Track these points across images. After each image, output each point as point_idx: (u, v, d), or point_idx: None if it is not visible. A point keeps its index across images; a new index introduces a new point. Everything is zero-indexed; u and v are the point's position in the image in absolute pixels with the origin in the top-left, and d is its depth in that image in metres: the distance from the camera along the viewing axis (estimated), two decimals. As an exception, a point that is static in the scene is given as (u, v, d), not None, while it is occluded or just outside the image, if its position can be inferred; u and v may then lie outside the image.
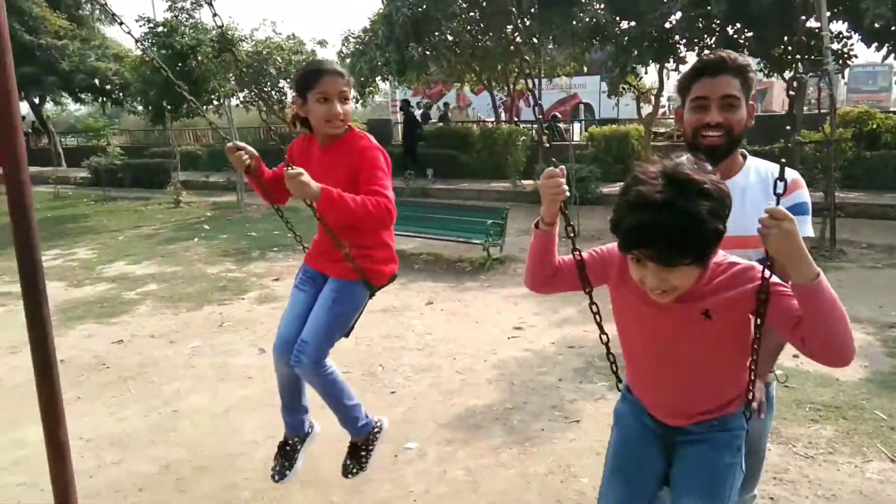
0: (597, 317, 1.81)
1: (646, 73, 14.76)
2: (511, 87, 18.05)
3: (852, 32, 11.83)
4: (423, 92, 24.19)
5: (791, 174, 1.93)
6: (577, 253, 1.73)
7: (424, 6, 13.45)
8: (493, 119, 18.99)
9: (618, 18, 13.50)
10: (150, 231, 11.11)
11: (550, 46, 15.02)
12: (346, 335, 2.73)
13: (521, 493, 3.15)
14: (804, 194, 1.93)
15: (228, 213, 12.79)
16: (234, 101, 15.35)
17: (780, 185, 1.57)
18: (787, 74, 13.54)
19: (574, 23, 13.48)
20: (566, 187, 1.69)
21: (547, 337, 5.29)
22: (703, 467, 1.65)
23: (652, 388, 1.73)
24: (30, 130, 25.71)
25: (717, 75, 1.87)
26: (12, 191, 2.38)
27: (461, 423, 3.88)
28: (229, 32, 12.05)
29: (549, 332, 5.43)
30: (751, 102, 1.91)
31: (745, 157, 1.99)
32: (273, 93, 19.17)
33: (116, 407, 4.20)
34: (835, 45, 11.88)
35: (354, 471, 2.96)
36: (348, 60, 16.26)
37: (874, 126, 12.46)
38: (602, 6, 13.54)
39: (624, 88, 15.04)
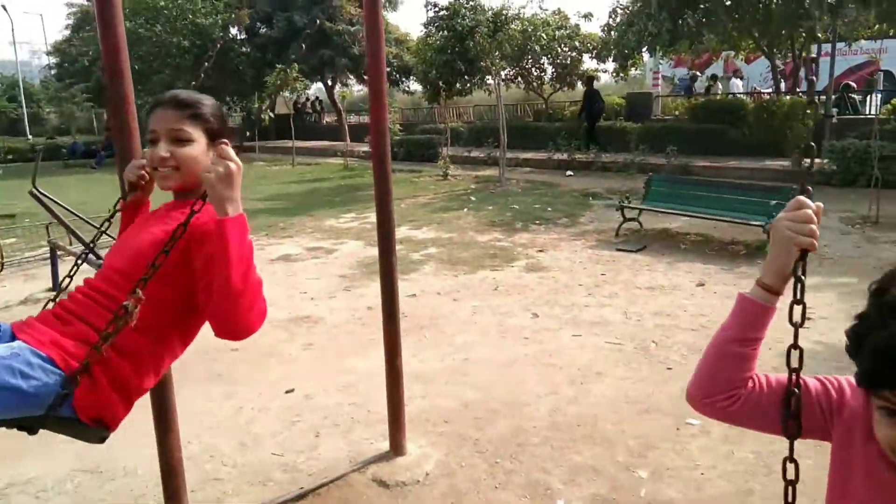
0: None
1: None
2: (797, 53, 16.20)
3: None
4: (692, 62, 22.77)
5: None
6: (796, 377, 1.17)
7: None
8: (770, 90, 17.28)
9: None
10: (425, 200, 12.22)
11: (852, 5, 13.17)
12: None
13: (819, 484, 3.00)
14: None
15: (491, 186, 13.51)
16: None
17: None
18: None
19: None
20: (818, 231, 1.13)
21: (841, 331, 4.82)
22: None
23: None
24: (319, 109, 29.62)
25: None
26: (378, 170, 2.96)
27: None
28: (504, 12, 12.57)
29: (845, 325, 4.92)
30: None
31: None
32: (534, 69, 19.67)
33: (417, 349, 4.81)
34: None
35: None
36: (614, 34, 16.00)
37: None
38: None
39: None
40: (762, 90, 18.29)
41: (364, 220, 10.22)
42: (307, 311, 5.82)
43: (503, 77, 18.04)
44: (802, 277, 1.16)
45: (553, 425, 3.65)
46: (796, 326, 1.24)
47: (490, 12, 12.51)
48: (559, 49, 18.57)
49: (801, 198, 1.13)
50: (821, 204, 1.14)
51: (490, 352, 4.76)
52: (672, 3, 13.44)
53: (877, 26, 15.86)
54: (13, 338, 1.56)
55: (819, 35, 17.02)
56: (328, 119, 29.09)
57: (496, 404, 3.91)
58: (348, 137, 21.52)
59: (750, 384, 1.19)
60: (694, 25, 13.52)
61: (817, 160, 11.99)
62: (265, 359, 4.76)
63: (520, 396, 4.00)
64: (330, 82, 26.14)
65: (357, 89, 29.83)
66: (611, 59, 17.59)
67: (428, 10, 13.31)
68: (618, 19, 16.18)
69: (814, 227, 1.12)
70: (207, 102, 1.73)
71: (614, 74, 19.01)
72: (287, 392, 4.21)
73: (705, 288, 6.11)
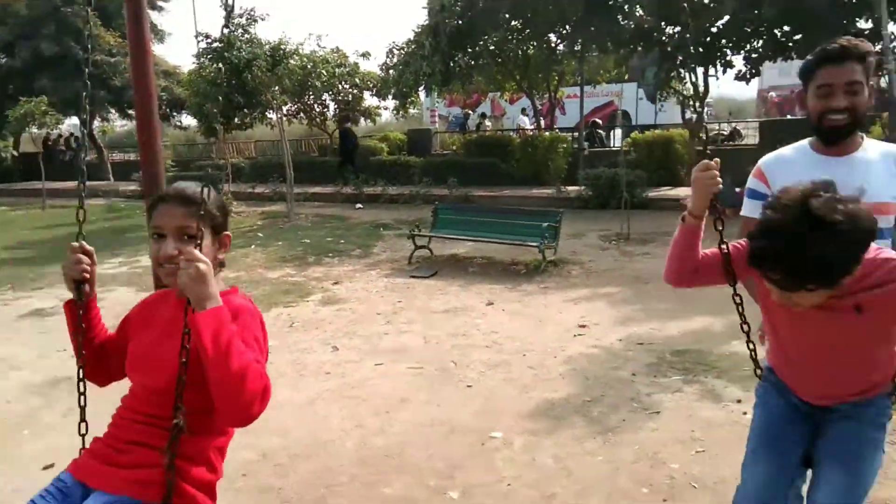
0: (739, 307, 1.88)
1: (693, 78, 14.70)
2: (552, 94, 18.12)
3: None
4: (464, 102, 24.39)
5: None
6: (725, 246, 1.74)
7: (470, 15, 13.66)
8: (532, 127, 19.07)
9: (663, 24, 13.51)
10: (207, 239, 11.42)
11: (595, 53, 15.09)
12: None
13: (613, 479, 3.23)
14: None
15: (279, 221, 13.08)
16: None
17: None
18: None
19: (615, 30, 13.55)
20: (720, 179, 1.75)
21: (613, 334, 5.35)
22: (848, 439, 1.71)
23: (802, 375, 1.78)
24: (73, 146, 26.62)
25: (841, 63, 1.99)
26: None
27: (541, 415, 3.97)
28: (282, 46, 12.37)
29: (615, 329, 5.48)
30: (871, 83, 2.00)
31: (862, 138, 2.12)
32: (316, 105, 19.61)
33: (206, 399, 4.37)
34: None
35: None
36: (392, 72, 16.56)
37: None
38: (645, 12, 13.56)
39: (667, 93, 15.02)
40: (525, 127, 20.09)
41: (134, 264, 9.27)
42: (68, 372, 5.03)
43: (285, 112, 17.74)
44: (718, 205, 1.80)
45: (361, 461, 3.50)
46: (721, 232, 1.80)
47: (268, 46, 12.23)
48: (340, 86, 18.76)
49: (706, 161, 1.74)
50: (717, 159, 1.76)
51: (289, 392, 4.49)
52: (444, 46, 14.32)
53: (615, 71, 18.38)
54: (84, 489, 1.66)
55: (567, 78, 19.25)
56: (88, 157, 26.21)
57: (299, 448, 3.66)
58: (111, 176, 19.55)
59: (700, 261, 1.77)
60: (464, 67, 14.50)
61: (575, 187, 13.42)
62: (17, 431, 4.01)
63: (323, 435, 3.80)
64: (87, 117, 23.66)
65: (120, 124, 27.38)
66: (391, 97, 18.16)
67: (199, 42, 12.66)
68: (395, 59, 16.80)
69: (716, 175, 1.73)
70: (213, 196, 1.74)
71: (395, 112, 19.67)
72: (45, 468, 3.56)
73: (494, 306, 6.42)
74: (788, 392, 1.82)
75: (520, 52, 16.12)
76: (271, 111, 13.75)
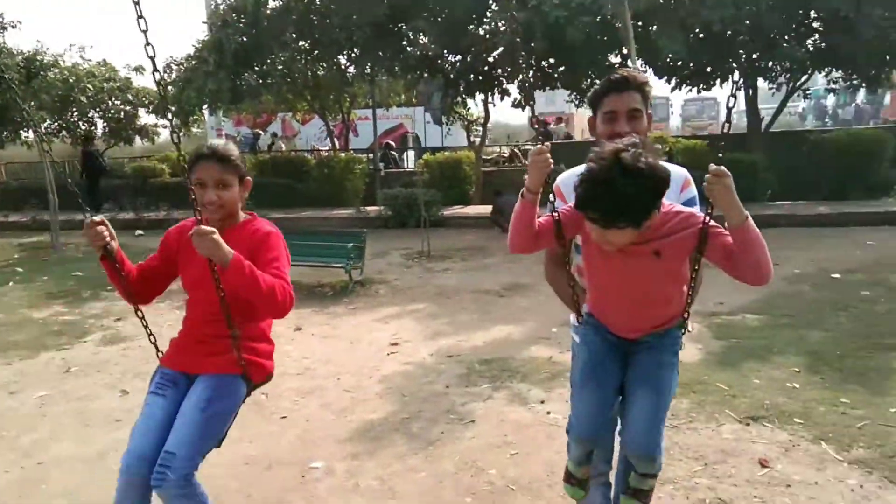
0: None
1: (475, 104, 15.71)
2: (345, 115, 18.21)
3: (647, 67, 13.55)
4: (253, 121, 23.55)
5: (684, 174, 2.37)
6: (556, 213, 2.06)
7: (255, 32, 13.25)
8: (328, 147, 19.00)
9: (446, 52, 14.26)
10: (-53, 278, 9.68)
11: (385, 77, 15.45)
12: (219, 444, 2.37)
13: (437, 492, 3.28)
14: (694, 189, 2.33)
15: (42, 253, 11.52)
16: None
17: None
18: (596, 105, 15.15)
19: (402, 56, 14.04)
20: (551, 159, 2.01)
21: (424, 349, 5.47)
22: (652, 363, 2.10)
23: (615, 312, 2.13)
24: None
25: (623, 91, 2.25)
26: None
27: (361, 437, 3.92)
28: (38, 58, 10.96)
29: (425, 345, 5.61)
30: (649, 112, 2.28)
31: None
32: (81, 123, 17.70)
33: (-37, 468, 3.68)
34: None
35: None
36: (171, 89, 15.47)
37: (668, 149, 14.34)
38: (430, 40, 14.23)
39: (453, 118, 15.87)
40: (320, 148, 19.95)
41: None
42: None
43: (45, 130, 15.71)
44: (549, 181, 2.10)
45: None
46: (552, 203, 2.12)
47: (20, 56, 10.76)
48: (110, 102, 17.11)
49: (540, 146, 2.00)
50: (548, 143, 2.07)
51: (73, 447, 3.93)
52: (229, 62, 13.72)
53: (404, 95, 18.98)
54: (185, 376, 2.39)
55: (359, 100, 19.49)
56: None
57: (91, 508, 3.22)
58: None
59: (537, 229, 2.04)
60: (253, 85, 14.01)
61: (374, 207, 13.60)
62: None
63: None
64: None
65: None
66: (171, 115, 16.94)
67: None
68: (173, 75, 15.72)
69: (548, 157, 1.99)
70: (238, 153, 2.44)
71: (176, 131, 18.36)
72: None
73: (303, 331, 6.23)
74: (604, 330, 2.15)
75: (309, 73, 16.00)
76: (26, 129, 12.07)
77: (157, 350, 2.53)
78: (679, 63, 13.33)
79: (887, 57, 12.18)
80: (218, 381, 2.32)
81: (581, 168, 2.53)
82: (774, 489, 3.12)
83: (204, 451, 2.26)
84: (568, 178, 2.43)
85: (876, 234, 9.66)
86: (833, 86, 14.93)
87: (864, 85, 13.68)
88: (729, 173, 1.80)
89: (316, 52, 15.02)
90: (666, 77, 13.83)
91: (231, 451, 3.81)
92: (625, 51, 12.44)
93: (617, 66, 13.60)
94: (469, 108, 15.66)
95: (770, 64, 13.44)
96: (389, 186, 13.91)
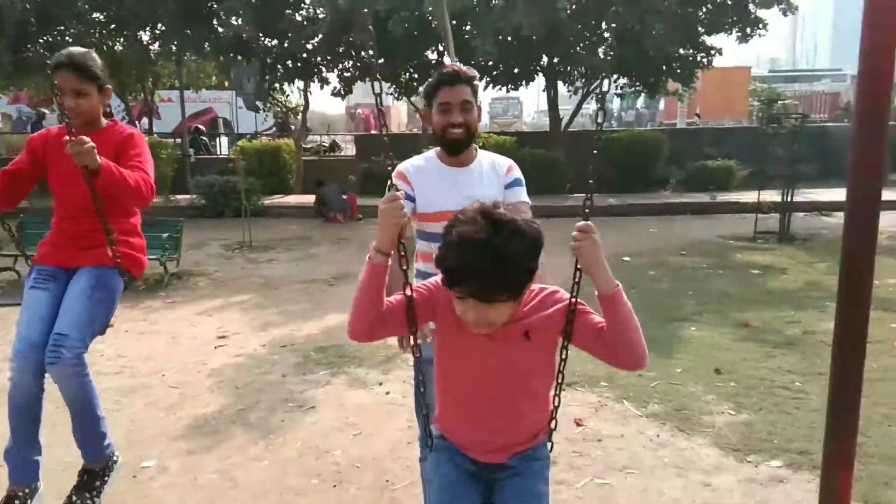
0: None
1: (291, 91, 15.35)
2: (147, 96, 16.85)
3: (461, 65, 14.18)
4: (37, 100, 20.85)
5: (508, 161, 2.60)
6: (410, 287, 1.70)
7: (42, 1, 11.78)
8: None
9: (262, 36, 13.77)
10: None
11: (195, 58, 14.53)
12: (104, 330, 2.65)
13: (281, 479, 3.27)
14: (519, 172, 2.56)
15: None
16: None
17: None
18: (414, 98, 15.59)
19: (213, 36, 13.32)
20: (407, 212, 1.77)
21: (256, 341, 5.34)
22: (522, 496, 1.74)
23: (473, 425, 1.76)
24: None
25: (455, 85, 2.39)
26: None
27: (195, 433, 3.77)
28: None
29: (256, 336, 5.48)
30: (478, 104, 2.47)
31: (476, 150, 2.55)
32: None
33: None
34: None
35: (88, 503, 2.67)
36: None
37: (481, 144, 15.16)
38: (243, 21, 13.63)
39: (270, 104, 15.39)
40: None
41: None
42: None
43: None
44: (404, 243, 1.74)
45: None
46: (405, 271, 1.74)
47: None
48: None
49: (392, 193, 1.70)
50: (401, 191, 1.84)
51: None
52: (10, 33, 12.06)
53: (214, 78, 17.98)
54: (64, 271, 2.61)
55: (164, 81, 18.14)
56: None
57: None
58: None
59: (385, 309, 1.69)
60: (39, 58, 12.41)
61: (186, 195, 12.79)
62: None
63: None
64: None
65: None
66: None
67: None
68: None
69: (402, 206, 1.68)
70: (98, 61, 2.66)
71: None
72: None
73: (116, 328, 5.71)
74: (459, 455, 1.78)
75: (105, 48, 14.57)
76: None
77: (24, 254, 2.89)
78: (490, 63, 14.14)
79: (664, 67, 13.98)
80: (98, 271, 2.56)
81: (425, 155, 2.66)
82: (589, 444, 3.55)
83: (94, 331, 2.54)
84: (412, 168, 2.50)
85: (657, 223, 11.10)
86: (620, 91, 16.77)
87: (645, 91, 15.57)
88: (596, 230, 1.61)
89: (113, 25, 13.72)
90: (478, 76, 14.62)
91: (45, 457, 3.48)
92: (441, 47, 12.96)
93: (434, 62, 14.11)
94: (288, 95, 15.26)
95: (569, 68, 14.78)
96: (201, 174, 13.14)
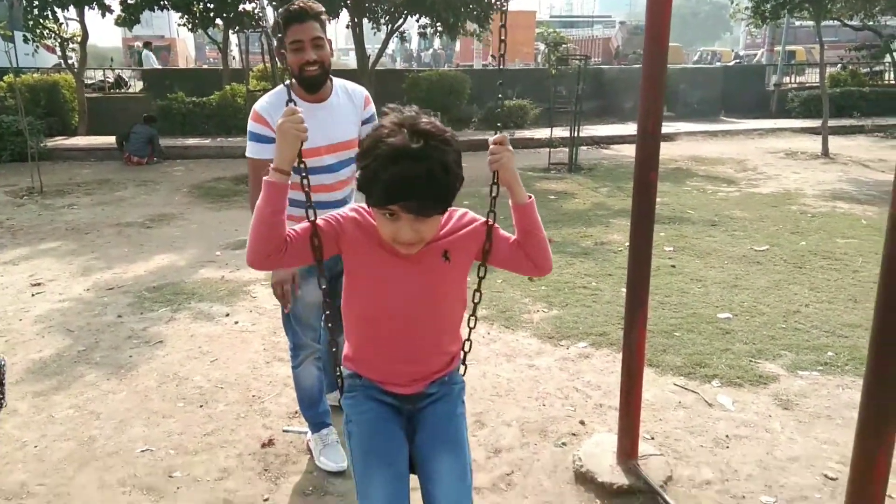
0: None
1: (64, 19, 13.58)
2: None
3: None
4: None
5: (363, 91, 2.77)
6: (314, 213, 1.58)
7: None
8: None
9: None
10: None
11: None
12: None
13: (145, 405, 3.33)
14: (373, 106, 2.66)
15: None
16: None
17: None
18: (212, 31, 14.67)
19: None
20: (306, 126, 1.62)
21: (78, 286, 5.07)
22: (446, 420, 1.71)
23: (390, 355, 1.68)
24: None
25: (304, 22, 2.32)
26: None
27: (37, 376, 3.63)
28: None
29: (78, 281, 5.19)
30: (329, 38, 2.48)
31: (331, 81, 2.58)
32: None
33: None
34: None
35: None
36: None
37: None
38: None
39: (43, 34, 13.53)
40: None
41: None
42: None
43: None
44: (305, 162, 1.65)
45: None
46: (308, 193, 1.63)
47: None
48: None
49: (291, 107, 1.60)
50: (295, 109, 1.60)
51: None
52: None
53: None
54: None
55: None
56: None
57: None
58: None
59: (287, 238, 1.57)
60: None
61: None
62: None
63: None
64: None
65: None
66: None
67: None
68: None
69: (303, 120, 1.59)
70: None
71: None
72: None
73: None
74: (377, 390, 1.70)
75: None
76: None
77: None
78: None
79: (462, 8, 14.59)
80: None
81: (277, 92, 2.49)
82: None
83: None
84: (269, 106, 2.42)
85: (465, 158, 11.83)
86: (421, 30, 17.19)
87: (445, 31, 16.13)
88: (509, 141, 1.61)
89: None
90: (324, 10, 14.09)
91: None
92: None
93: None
94: (62, 24, 13.50)
95: (373, 4, 14.82)
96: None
